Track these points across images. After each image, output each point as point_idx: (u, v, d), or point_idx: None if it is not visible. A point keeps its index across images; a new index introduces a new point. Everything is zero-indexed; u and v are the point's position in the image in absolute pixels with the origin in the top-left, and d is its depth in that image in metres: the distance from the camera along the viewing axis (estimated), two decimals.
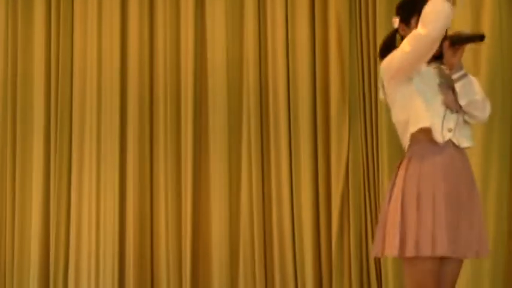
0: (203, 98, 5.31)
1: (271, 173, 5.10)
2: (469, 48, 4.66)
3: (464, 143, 3.06)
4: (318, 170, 5.03)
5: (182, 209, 5.26)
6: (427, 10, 2.89)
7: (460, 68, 3.04)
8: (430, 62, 3.05)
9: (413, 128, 3.02)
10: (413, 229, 2.91)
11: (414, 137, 3.02)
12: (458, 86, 3.03)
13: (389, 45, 3.15)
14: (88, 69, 5.51)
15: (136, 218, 5.31)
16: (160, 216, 5.31)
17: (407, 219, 2.93)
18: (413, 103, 2.99)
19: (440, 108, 2.99)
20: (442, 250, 2.86)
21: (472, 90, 3.05)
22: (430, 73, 3.06)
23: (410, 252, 2.89)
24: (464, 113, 3.07)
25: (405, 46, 2.95)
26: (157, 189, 5.34)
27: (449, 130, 3.01)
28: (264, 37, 5.21)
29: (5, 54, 5.64)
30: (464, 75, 3.04)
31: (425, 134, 3.00)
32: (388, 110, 4.77)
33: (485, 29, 4.67)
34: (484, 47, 4.66)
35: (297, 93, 5.10)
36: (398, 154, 4.81)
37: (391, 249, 2.93)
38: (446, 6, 2.87)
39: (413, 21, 3.06)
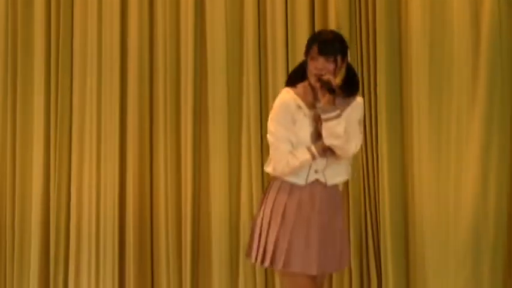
0: (203, 94, 5.33)
1: None
2: (468, 48, 4.71)
3: (332, 180, 3.40)
4: None
5: (182, 204, 5.31)
6: (296, 163, 3.31)
7: (330, 110, 3.29)
8: (317, 99, 3.38)
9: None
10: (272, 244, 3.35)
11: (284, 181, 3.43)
12: (323, 128, 3.30)
13: (297, 74, 3.51)
14: (88, 67, 5.57)
15: (136, 212, 5.37)
16: (160, 212, 5.35)
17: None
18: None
19: None
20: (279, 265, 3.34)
21: (335, 134, 3.28)
22: (305, 123, 3.35)
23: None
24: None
25: (273, 159, 3.40)
26: (157, 185, 5.39)
27: (316, 171, 3.35)
28: (264, 36, 5.21)
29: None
30: (333, 118, 3.28)
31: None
32: (387, 109, 4.85)
33: (485, 28, 4.67)
34: (484, 47, 4.66)
35: None
36: (399, 153, 4.87)
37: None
38: (309, 163, 3.32)
39: (308, 55, 3.43)
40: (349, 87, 3.45)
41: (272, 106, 5.11)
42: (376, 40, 4.90)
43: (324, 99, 3.32)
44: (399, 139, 4.88)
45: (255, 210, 5.09)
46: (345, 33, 4.94)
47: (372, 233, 4.86)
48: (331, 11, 5.02)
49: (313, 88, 3.41)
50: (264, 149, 5.13)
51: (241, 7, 5.27)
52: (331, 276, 4.94)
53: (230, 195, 5.21)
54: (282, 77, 5.11)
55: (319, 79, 3.34)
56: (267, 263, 3.37)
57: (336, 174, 3.41)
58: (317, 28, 5.06)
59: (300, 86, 3.45)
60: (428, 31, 4.80)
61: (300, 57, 5.03)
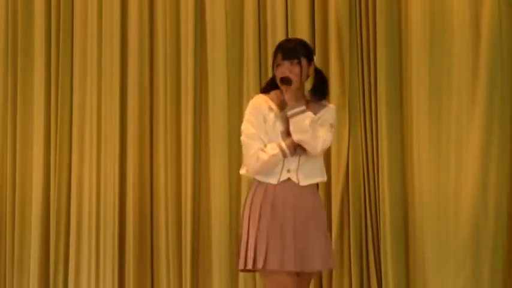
0: (203, 95, 5.34)
1: None
2: (468, 48, 4.71)
3: (305, 181, 3.46)
4: None
5: (182, 203, 5.32)
6: (265, 158, 3.42)
7: (295, 106, 3.41)
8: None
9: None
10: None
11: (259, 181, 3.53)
12: (290, 124, 3.42)
13: (269, 86, 3.61)
14: (88, 67, 5.59)
15: (136, 211, 5.39)
16: (160, 211, 5.37)
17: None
18: None
19: None
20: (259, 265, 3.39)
21: (301, 128, 3.39)
22: (276, 123, 3.47)
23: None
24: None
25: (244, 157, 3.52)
26: (158, 184, 5.40)
27: (288, 171, 3.43)
28: (264, 36, 5.21)
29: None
30: (298, 113, 3.40)
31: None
32: (388, 110, 4.85)
33: (485, 29, 4.67)
34: (484, 47, 4.67)
35: None
36: (399, 154, 4.87)
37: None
38: (279, 159, 3.41)
39: (274, 65, 3.53)
40: (320, 91, 3.57)
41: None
42: (376, 40, 4.90)
43: (287, 96, 3.45)
44: (399, 139, 4.88)
45: None
46: (345, 33, 4.96)
47: (372, 232, 4.85)
48: (331, 11, 5.02)
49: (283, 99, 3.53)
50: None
51: (242, 7, 5.27)
52: (330, 276, 4.94)
53: (230, 194, 5.22)
54: None
55: (280, 78, 3.48)
56: (249, 265, 3.44)
57: (310, 175, 3.49)
58: (317, 28, 5.07)
59: (272, 93, 3.59)
60: (428, 31, 4.80)
61: None
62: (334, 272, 4.90)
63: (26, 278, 5.59)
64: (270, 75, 5.07)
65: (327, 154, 4.97)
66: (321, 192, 4.94)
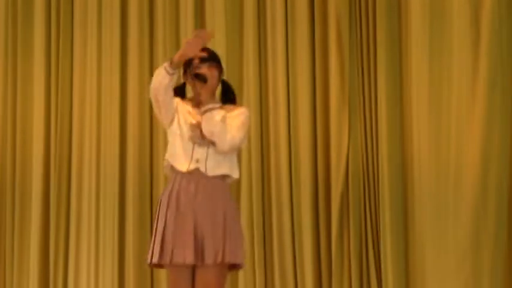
0: None
1: (272, 173, 5.11)
2: (469, 48, 4.70)
3: (213, 171, 3.53)
4: (317, 169, 5.04)
5: None
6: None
7: (210, 102, 3.50)
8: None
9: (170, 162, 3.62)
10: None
11: (172, 167, 3.60)
12: (203, 118, 3.50)
13: (179, 89, 3.65)
14: (88, 65, 5.59)
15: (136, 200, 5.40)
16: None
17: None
18: (172, 141, 3.59)
19: (188, 144, 3.51)
20: (155, 259, 3.47)
21: (212, 122, 3.49)
22: (188, 115, 3.55)
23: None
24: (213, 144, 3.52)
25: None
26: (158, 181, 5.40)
27: (197, 161, 3.51)
28: (264, 36, 5.21)
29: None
30: (210, 109, 3.48)
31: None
32: (388, 111, 4.84)
33: (485, 28, 4.68)
34: (484, 47, 4.66)
35: (296, 93, 5.10)
36: (399, 153, 4.88)
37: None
38: (162, 72, 3.47)
39: (188, 73, 3.60)
40: (227, 97, 3.68)
41: (271, 106, 5.19)
42: (376, 37, 4.92)
43: (203, 92, 3.52)
44: (399, 137, 4.90)
45: (254, 205, 5.10)
46: (345, 34, 4.96)
47: (372, 231, 4.86)
48: (331, 11, 5.03)
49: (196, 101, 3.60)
50: (263, 147, 5.14)
51: (241, 4, 5.27)
52: (330, 276, 4.95)
53: (231, 192, 5.21)
54: (281, 77, 5.12)
55: (195, 74, 3.52)
56: (155, 260, 3.49)
57: (218, 166, 3.54)
58: (317, 28, 5.07)
59: (186, 99, 3.66)
60: (428, 31, 4.81)
61: (300, 56, 5.10)
62: (333, 272, 4.90)
63: (26, 258, 5.53)
64: (269, 75, 5.16)
65: (326, 151, 5.01)
66: (320, 189, 5.01)
